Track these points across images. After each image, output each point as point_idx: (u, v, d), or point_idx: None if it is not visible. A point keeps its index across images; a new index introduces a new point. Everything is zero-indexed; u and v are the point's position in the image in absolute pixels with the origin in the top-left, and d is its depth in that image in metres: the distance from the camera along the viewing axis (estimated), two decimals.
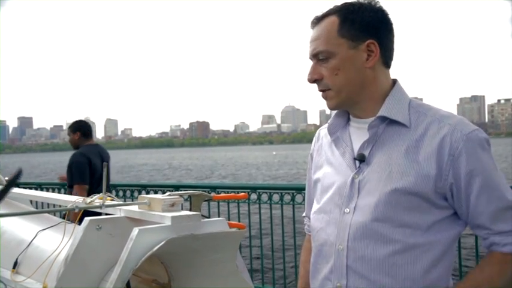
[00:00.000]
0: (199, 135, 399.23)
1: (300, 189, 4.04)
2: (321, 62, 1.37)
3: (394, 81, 1.44)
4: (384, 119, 1.37)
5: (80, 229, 1.25)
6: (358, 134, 1.44)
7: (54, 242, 1.43)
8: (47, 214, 1.83)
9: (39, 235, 1.54)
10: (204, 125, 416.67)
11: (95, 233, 1.25)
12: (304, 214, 1.76)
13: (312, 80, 1.39)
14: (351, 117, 1.48)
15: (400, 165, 1.32)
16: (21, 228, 1.66)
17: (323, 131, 1.60)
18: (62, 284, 1.21)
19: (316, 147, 1.62)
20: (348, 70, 1.35)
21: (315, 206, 1.52)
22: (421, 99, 1.45)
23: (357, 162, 1.39)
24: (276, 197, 4.10)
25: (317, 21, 1.39)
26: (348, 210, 1.36)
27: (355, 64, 1.35)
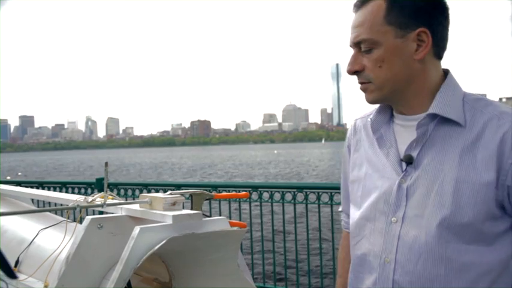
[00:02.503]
0: (201, 134, 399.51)
1: (301, 188, 4.04)
2: (363, 51, 1.23)
3: (446, 73, 1.28)
4: (434, 116, 1.21)
5: (81, 228, 1.25)
6: (403, 133, 1.29)
7: (56, 240, 1.43)
8: (48, 213, 1.83)
9: (41, 234, 1.54)
10: (206, 124, 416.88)
11: (97, 231, 1.25)
12: (340, 209, 1.59)
13: (352, 71, 1.25)
14: (394, 113, 1.33)
15: (454, 171, 1.17)
16: (22, 227, 1.66)
17: (360, 122, 1.44)
18: (64, 282, 1.21)
19: (353, 141, 1.45)
20: (393, 62, 1.20)
21: (356, 211, 1.37)
22: (484, 95, 1.28)
23: (404, 164, 1.25)
24: (277, 196, 4.10)
25: (360, 4, 1.24)
26: (396, 219, 1.23)
27: (402, 56, 1.20)
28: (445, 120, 1.21)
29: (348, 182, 1.46)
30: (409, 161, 1.23)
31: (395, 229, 1.22)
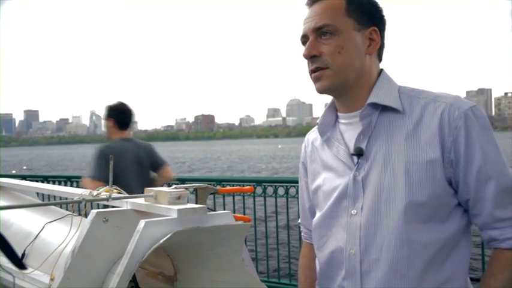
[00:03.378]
0: (205, 129, 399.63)
1: None
2: (322, 38, 1.29)
3: (381, 71, 1.38)
4: (375, 106, 1.29)
5: (86, 221, 1.26)
6: (349, 130, 1.35)
7: (61, 234, 1.44)
8: (53, 206, 1.84)
9: (46, 227, 1.55)
10: (209, 118, 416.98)
11: (102, 225, 1.26)
12: (299, 221, 1.69)
13: (310, 56, 1.30)
14: (339, 114, 1.40)
15: (403, 154, 1.23)
16: (28, 221, 1.68)
17: (311, 135, 1.52)
18: (69, 275, 1.22)
19: (307, 153, 1.52)
20: (351, 51, 1.28)
21: (318, 214, 1.42)
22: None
23: (355, 158, 1.30)
24: (281, 190, 4.11)
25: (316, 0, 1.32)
26: (355, 211, 1.27)
27: (358, 47, 1.29)
28: (386, 110, 1.29)
29: (307, 195, 1.53)
30: (359, 152, 1.28)
31: (356, 221, 1.27)
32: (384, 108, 1.29)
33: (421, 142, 1.23)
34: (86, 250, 1.24)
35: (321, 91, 1.33)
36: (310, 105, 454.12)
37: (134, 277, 1.31)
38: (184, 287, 1.37)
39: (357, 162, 1.30)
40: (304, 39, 1.33)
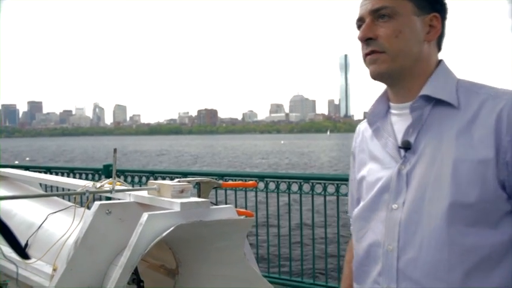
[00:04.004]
0: (208, 123, 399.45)
1: (307, 179, 4.04)
2: (379, 20, 1.22)
3: (439, 62, 1.29)
4: (427, 99, 1.22)
5: (90, 213, 1.26)
6: (400, 121, 1.29)
7: (64, 225, 1.44)
8: (56, 197, 1.85)
9: (50, 218, 1.56)
10: (212, 113, 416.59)
11: (105, 217, 1.26)
12: (348, 214, 1.59)
13: (365, 38, 1.24)
14: (391, 104, 1.34)
15: (452, 151, 1.16)
16: (31, 211, 1.68)
17: (363, 125, 1.46)
18: (72, 266, 1.22)
19: (357, 143, 1.46)
20: (409, 36, 1.22)
21: (359, 206, 1.36)
22: None
23: (402, 151, 1.24)
24: (283, 186, 4.11)
25: None
26: (396, 206, 1.21)
27: (416, 33, 1.22)
28: (439, 104, 1.22)
29: (354, 185, 1.46)
30: (407, 146, 1.22)
31: (396, 216, 1.21)
32: (438, 102, 1.22)
33: (473, 140, 1.15)
34: (88, 242, 1.24)
35: (375, 76, 1.26)
36: (314, 102, 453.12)
37: (136, 269, 1.32)
38: (185, 280, 1.37)
39: (404, 156, 1.24)
40: (360, 22, 1.27)
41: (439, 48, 1.29)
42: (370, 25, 1.23)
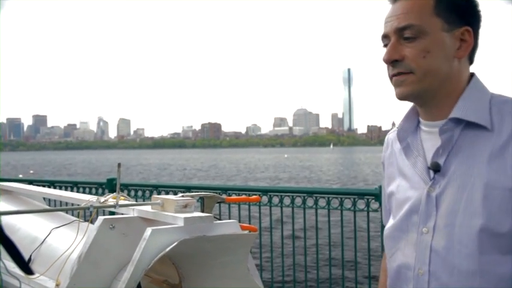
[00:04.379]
0: (211, 137, 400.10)
1: (311, 193, 4.03)
2: (405, 40, 1.17)
3: (471, 76, 1.23)
4: (458, 121, 1.16)
5: (93, 228, 1.26)
6: (431, 140, 1.23)
7: (68, 240, 1.44)
8: (60, 212, 1.85)
9: (53, 233, 1.56)
10: (216, 127, 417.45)
11: (109, 232, 1.26)
12: (383, 223, 1.55)
13: (391, 60, 1.18)
14: (421, 120, 1.28)
15: (484, 176, 1.11)
16: (35, 226, 1.68)
17: (392, 135, 1.41)
18: (75, 282, 1.22)
19: (386, 155, 1.42)
20: (437, 55, 1.15)
21: (391, 223, 1.33)
22: None
23: (431, 172, 1.20)
24: (287, 200, 4.09)
25: None
26: (427, 230, 1.18)
27: (446, 50, 1.16)
28: (471, 125, 1.16)
29: (386, 196, 1.43)
30: (436, 168, 1.18)
31: (427, 240, 1.17)
32: (469, 123, 1.16)
33: (507, 166, 1.09)
34: (92, 256, 1.24)
35: (401, 98, 1.21)
36: (317, 115, 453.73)
37: (139, 285, 1.31)
38: None
39: (433, 178, 1.19)
40: (386, 39, 1.21)
41: (471, 62, 1.22)
42: (396, 45, 1.17)
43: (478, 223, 1.10)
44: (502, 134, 1.12)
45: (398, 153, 1.33)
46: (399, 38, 1.17)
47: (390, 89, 1.28)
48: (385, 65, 1.23)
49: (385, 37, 1.20)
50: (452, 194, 1.15)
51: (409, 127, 1.29)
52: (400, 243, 1.26)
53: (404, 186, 1.28)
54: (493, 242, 1.09)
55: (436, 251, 1.15)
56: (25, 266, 1.41)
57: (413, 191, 1.23)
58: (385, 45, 1.21)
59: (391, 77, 1.21)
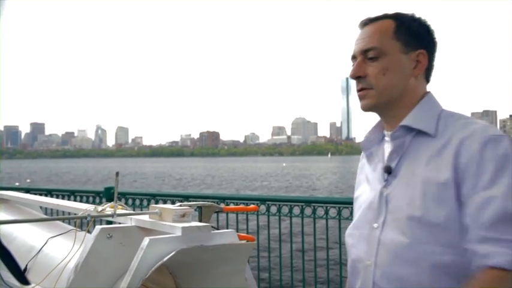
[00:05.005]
0: (209, 145, 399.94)
1: (309, 202, 4.02)
2: (368, 60, 1.35)
3: (427, 93, 1.40)
4: (408, 128, 1.33)
5: (90, 237, 1.26)
6: (389, 148, 1.39)
7: (65, 249, 1.43)
8: (57, 221, 1.84)
9: (50, 242, 1.55)
10: (214, 135, 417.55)
11: (106, 241, 1.25)
12: None
13: (356, 76, 1.37)
14: (385, 131, 1.44)
15: (422, 175, 1.26)
16: (31, 235, 1.67)
17: None
18: None
19: (360, 165, 1.58)
20: (395, 73, 1.34)
21: (351, 223, 1.48)
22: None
23: (386, 174, 1.35)
24: (285, 209, 4.08)
25: (369, 22, 1.39)
26: (377, 225, 1.32)
27: (403, 69, 1.34)
28: (420, 133, 1.32)
29: (354, 201, 1.57)
30: (388, 171, 1.34)
31: (376, 234, 1.31)
32: (419, 131, 1.32)
33: (441, 164, 1.24)
34: (89, 266, 1.23)
35: (365, 109, 1.39)
36: (315, 124, 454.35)
37: None
38: None
39: (386, 179, 1.35)
40: (354, 59, 1.39)
41: (427, 81, 1.40)
42: (361, 64, 1.36)
43: (417, 215, 1.23)
44: (442, 139, 1.28)
45: (366, 162, 1.50)
46: (364, 58, 1.36)
47: None
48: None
49: (353, 57, 1.39)
50: (399, 192, 1.30)
51: (375, 138, 1.47)
52: (355, 240, 1.40)
53: (366, 190, 1.44)
54: (430, 233, 1.21)
55: (383, 243, 1.28)
56: (21, 276, 1.40)
57: (371, 193, 1.39)
58: (354, 63, 1.39)
59: (357, 91, 1.39)
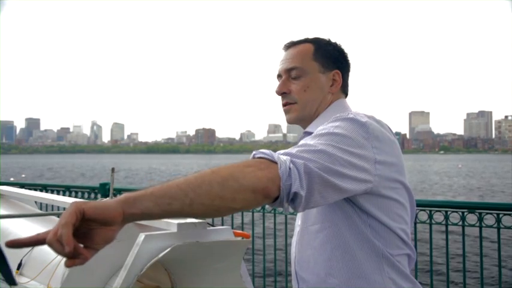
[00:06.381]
0: (205, 142, 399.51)
1: None
2: (292, 78, 1.51)
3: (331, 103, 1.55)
4: (309, 134, 1.42)
5: None
6: None
7: None
8: (52, 216, 1.84)
9: None
10: (210, 132, 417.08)
11: None
12: None
13: (281, 92, 1.53)
14: None
15: None
16: (26, 230, 1.67)
17: None
18: (67, 286, 1.21)
19: None
20: (315, 89, 1.51)
21: None
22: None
23: None
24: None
25: (292, 45, 1.56)
26: (299, 228, 1.47)
27: (321, 86, 1.52)
28: None
29: None
30: None
31: (297, 228, 1.49)
32: None
33: None
34: None
35: (290, 122, 1.58)
36: None
37: None
38: None
39: None
40: (279, 77, 1.55)
41: (346, 95, 1.59)
42: (285, 81, 1.53)
43: (309, 213, 1.40)
44: None
45: None
46: (288, 77, 1.53)
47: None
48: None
49: (279, 76, 1.55)
50: None
51: None
52: (292, 240, 1.54)
53: None
54: (312, 235, 1.39)
55: (298, 235, 1.46)
56: (9, 276, 1.39)
57: None
58: (279, 80, 1.55)
59: (282, 106, 1.55)
